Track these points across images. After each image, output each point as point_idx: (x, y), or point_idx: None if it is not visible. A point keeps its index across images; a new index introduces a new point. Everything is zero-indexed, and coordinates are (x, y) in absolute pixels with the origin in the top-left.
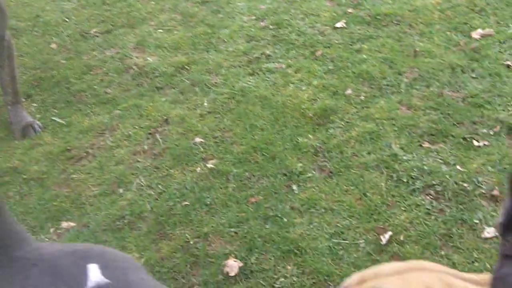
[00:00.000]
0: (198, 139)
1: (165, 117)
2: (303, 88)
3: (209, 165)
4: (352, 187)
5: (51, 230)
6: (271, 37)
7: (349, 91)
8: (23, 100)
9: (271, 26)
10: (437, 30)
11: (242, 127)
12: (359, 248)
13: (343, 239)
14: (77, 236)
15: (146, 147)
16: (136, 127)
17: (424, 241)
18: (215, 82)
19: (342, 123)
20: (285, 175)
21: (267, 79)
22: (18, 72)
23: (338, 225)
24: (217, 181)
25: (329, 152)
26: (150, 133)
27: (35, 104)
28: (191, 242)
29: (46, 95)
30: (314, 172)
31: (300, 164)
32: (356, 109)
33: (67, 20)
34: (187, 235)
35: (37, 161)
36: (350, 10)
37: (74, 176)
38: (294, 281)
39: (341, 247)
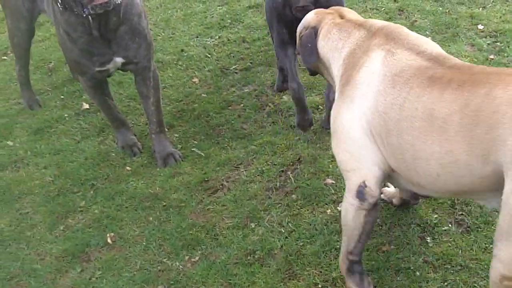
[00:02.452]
0: (329, 180)
1: (297, 156)
2: None
3: (340, 208)
4: (491, 245)
5: (186, 258)
6: None
7: None
8: (166, 130)
9: None
10: None
11: None
12: None
13: None
14: (209, 267)
15: (278, 184)
16: (270, 163)
17: None
18: None
19: None
20: (419, 225)
21: None
22: (162, 103)
23: (475, 285)
24: None
25: (467, 206)
26: (282, 171)
27: (176, 135)
28: (320, 286)
29: (187, 126)
30: (450, 226)
31: (436, 216)
32: None
33: (209, 55)
34: (316, 278)
35: (176, 190)
36: (492, 57)
37: (210, 207)
38: None
39: None
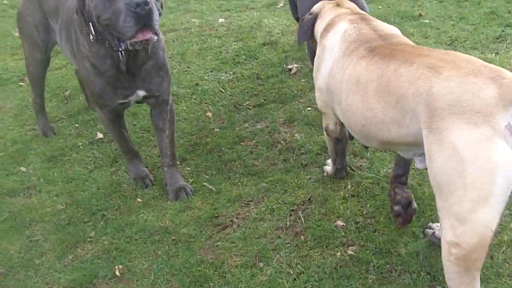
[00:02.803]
0: (339, 222)
1: (308, 196)
2: None
3: (349, 252)
4: None
5: None
6: None
7: None
8: (178, 163)
9: None
10: None
11: (385, 216)
12: None
13: None
14: None
15: (288, 223)
16: (280, 202)
17: None
18: (360, 165)
19: None
20: (429, 274)
21: (413, 167)
22: (175, 135)
23: None
24: (356, 269)
25: None
26: (292, 210)
27: (188, 168)
28: None
29: (200, 160)
30: None
31: None
32: (509, 210)
33: (223, 90)
34: None
35: (186, 224)
36: None
37: (219, 243)
38: None
39: None
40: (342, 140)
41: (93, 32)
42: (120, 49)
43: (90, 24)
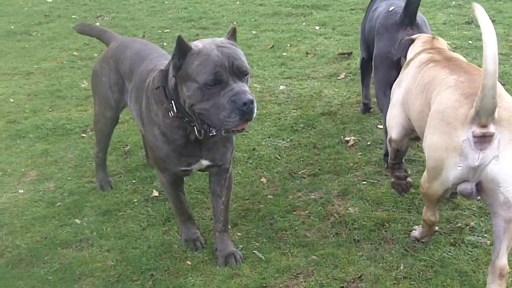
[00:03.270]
0: None
1: (359, 273)
2: None
3: None
4: None
5: None
6: (477, 208)
7: None
8: (230, 227)
9: (478, 197)
10: None
11: None
12: None
13: None
14: None
15: None
16: (330, 277)
17: None
18: (414, 246)
19: None
20: None
21: (469, 252)
22: None
23: None
24: None
25: None
26: (342, 287)
27: (239, 233)
28: None
29: (251, 226)
30: None
31: None
32: None
33: (279, 157)
34: None
35: None
36: None
37: None
38: None
39: None
40: (401, 149)
41: (175, 110)
42: (211, 134)
43: (173, 102)
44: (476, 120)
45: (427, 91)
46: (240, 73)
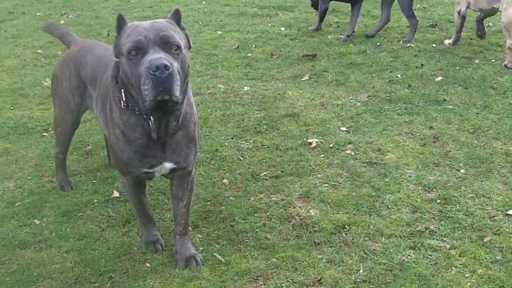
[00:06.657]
0: None
1: (319, 277)
2: (466, 275)
3: None
4: None
5: None
6: (437, 211)
7: None
8: (190, 229)
9: (438, 200)
10: None
11: None
12: None
13: None
14: None
15: None
16: (290, 280)
17: None
18: (374, 250)
19: None
20: None
21: (428, 256)
22: None
23: None
24: None
25: None
26: None
27: (200, 236)
28: None
29: (212, 228)
30: None
31: None
32: None
33: (241, 158)
34: None
35: None
36: None
37: None
38: None
39: None
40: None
41: (123, 98)
42: (146, 116)
43: (122, 91)
44: None
45: None
46: (163, 44)
